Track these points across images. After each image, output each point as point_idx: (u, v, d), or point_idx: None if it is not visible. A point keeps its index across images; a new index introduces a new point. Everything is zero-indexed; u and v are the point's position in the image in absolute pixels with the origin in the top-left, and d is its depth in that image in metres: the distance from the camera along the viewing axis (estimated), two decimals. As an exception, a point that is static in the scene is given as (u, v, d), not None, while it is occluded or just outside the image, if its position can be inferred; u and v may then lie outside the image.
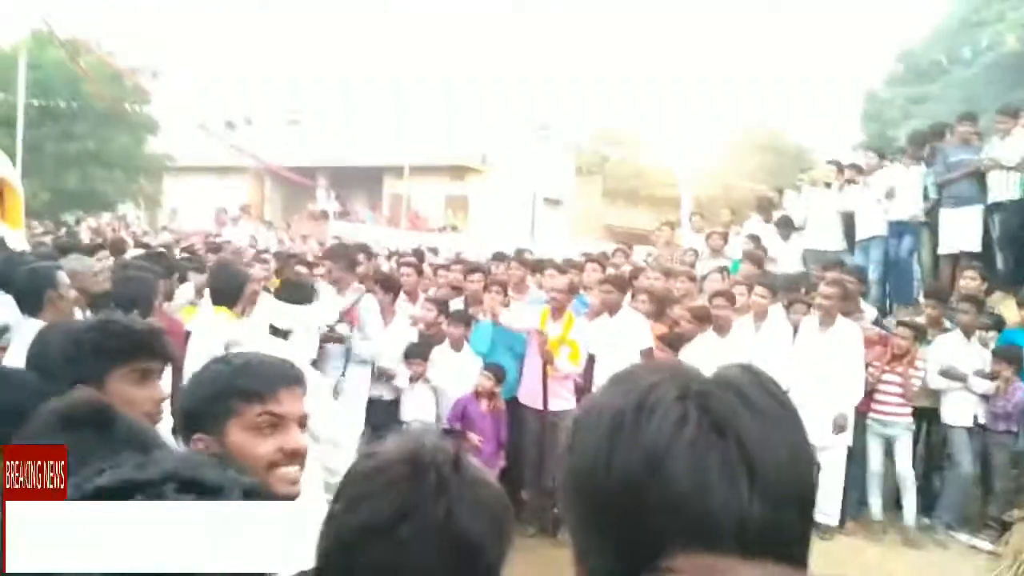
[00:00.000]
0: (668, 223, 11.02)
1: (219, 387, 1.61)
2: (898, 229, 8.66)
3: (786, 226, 9.57)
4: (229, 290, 4.24)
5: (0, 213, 9.37)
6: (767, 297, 6.65)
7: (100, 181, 23.20)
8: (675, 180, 25.54)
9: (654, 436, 0.74)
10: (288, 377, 1.66)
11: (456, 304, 6.93)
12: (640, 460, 0.74)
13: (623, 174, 36.79)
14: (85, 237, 12.71)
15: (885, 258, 8.74)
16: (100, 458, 1.22)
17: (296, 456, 1.61)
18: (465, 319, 6.36)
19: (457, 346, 6.26)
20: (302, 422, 1.65)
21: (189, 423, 1.63)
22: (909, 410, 6.46)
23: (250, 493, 0.75)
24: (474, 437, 5.90)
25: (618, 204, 36.00)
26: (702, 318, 6.41)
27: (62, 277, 3.86)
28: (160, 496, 0.70)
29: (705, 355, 6.21)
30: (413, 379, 6.20)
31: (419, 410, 6.13)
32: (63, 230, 14.89)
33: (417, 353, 6.17)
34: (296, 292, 4.74)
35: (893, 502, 6.54)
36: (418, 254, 10.68)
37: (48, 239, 11.37)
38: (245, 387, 1.59)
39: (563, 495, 0.81)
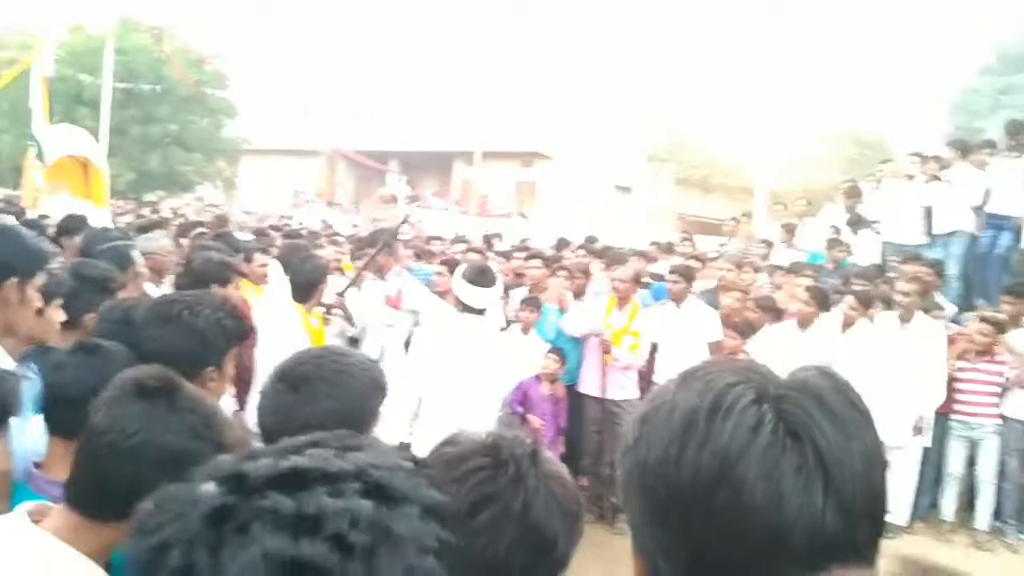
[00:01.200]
0: (745, 214, 10.83)
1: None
2: (995, 223, 8.27)
3: (857, 223, 9.26)
4: (307, 286, 4.23)
5: (86, 191, 9.79)
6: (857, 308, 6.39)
7: (181, 162, 23.97)
8: (749, 169, 25.04)
9: (728, 439, 0.73)
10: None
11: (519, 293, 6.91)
12: (712, 463, 0.73)
13: (696, 162, 36.23)
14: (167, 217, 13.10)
15: (971, 253, 8.38)
16: (172, 427, 1.38)
17: None
18: (535, 304, 6.36)
19: (526, 331, 6.29)
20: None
21: None
22: (997, 410, 6.18)
23: (431, 510, 0.70)
24: (535, 420, 5.93)
25: (690, 193, 35.47)
26: (767, 308, 6.27)
27: (137, 256, 3.98)
28: (340, 494, 0.66)
29: (776, 347, 6.13)
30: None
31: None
32: (146, 209, 15.40)
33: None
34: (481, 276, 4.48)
35: (964, 503, 6.31)
36: (487, 240, 10.71)
37: (131, 218, 11.76)
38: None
39: (626, 488, 0.81)
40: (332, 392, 1.70)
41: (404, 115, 29.10)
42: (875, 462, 0.76)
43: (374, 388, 1.78)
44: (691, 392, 0.78)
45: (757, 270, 7.65)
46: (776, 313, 6.59)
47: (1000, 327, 6.35)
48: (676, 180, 34.23)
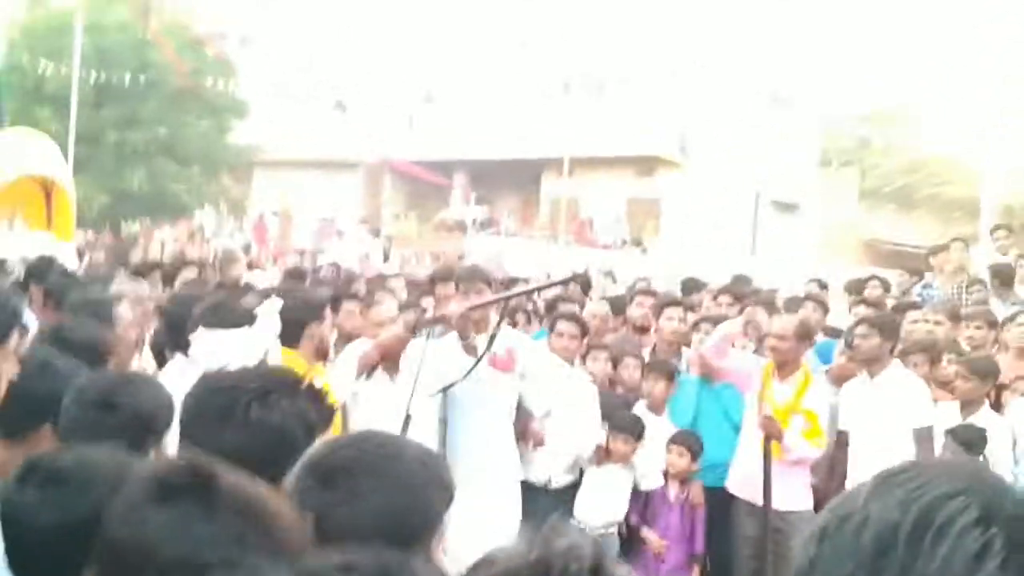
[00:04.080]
0: (959, 240, 10.53)
1: None
2: None
3: None
4: (288, 326, 4.40)
5: (45, 220, 10.21)
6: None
7: (172, 179, 24.75)
8: (972, 175, 24.38)
9: (941, 568, 0.74)
10: None
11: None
12: None
13: (891, 167, 35.67)
14: (154, 252, 13.58)
15: None
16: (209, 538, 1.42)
17: None
18: (668, 371, 6.31)
19: (657, 409, 6.26)
20: None
21: None
22: None
23: None
24: (654, 539, 5.89)
25: (884, 210, 34.85)
26: (985, 375, 6.08)
27: (123, 312, 4.12)
28: None
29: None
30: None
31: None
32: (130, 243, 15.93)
33: (628, 425, 6.08)
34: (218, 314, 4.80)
35: None
36: (582, 281, 10.67)
37: (104, 254, 12.20)
38: None
39: None
40: (379, 485, 1.77)
41: (473, 112, 29.58)
42: None
43: (436, 484, 1.84)
44: (890, 502, 0.81)
45: (992, 325, 7.44)
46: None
47: None
48: (862, 193, 33.74)
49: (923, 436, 5.79)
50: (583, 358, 6.72)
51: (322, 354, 4.75)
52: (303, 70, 29.97)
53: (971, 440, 5.81)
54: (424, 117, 31.03)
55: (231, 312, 4.03)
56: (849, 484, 5.90)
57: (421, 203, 30.75)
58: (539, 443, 5.89)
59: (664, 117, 26.29)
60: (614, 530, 5.98)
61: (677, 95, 26.51)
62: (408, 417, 4.84)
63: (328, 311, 4.74)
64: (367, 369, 5.24)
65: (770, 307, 7.17)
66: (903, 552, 0.76)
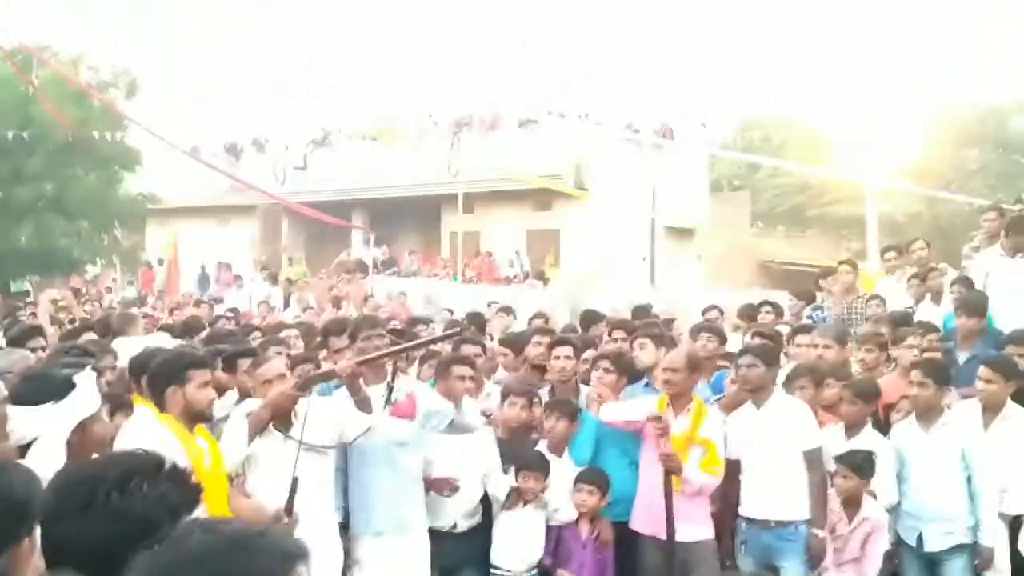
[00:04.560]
0: (845, 262, 10.76)
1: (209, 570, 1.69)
2: None
3: (966, 284, 9.15)
4: (152, 392, 4.45)
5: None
6: (995, 381, 6.38)
7: (61, 235, 24.17)
8: (859, 193, 25.04)
9: None
10: (294, 554, 1.76)
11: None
12: None
13: (781, 187, 36.46)
14: (43, 314, 13.23)
15: None
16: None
17: None
18: (571, 411, 6.31)
19: (558, 450, 6.25)
20: None
21: None
22: None
23: None
24: (565, 576, 5.88)
25: (776, 231, 35.62)
26: (868, 398, 6.28)
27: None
28: None
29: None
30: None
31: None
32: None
33: (535, 464, 6.09)
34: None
35: None
36: (476, 320, 10.70)
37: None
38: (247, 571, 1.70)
39: None
40: None
41: (368, 151, 29.45)
42: None
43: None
44: None
45: (882, 347, 7.65)
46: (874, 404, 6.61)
47: None
48: (754, 215, 34.41)
49: (813, 458, 5.93)
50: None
51: (198, 417, 4.60)
52: (193, 115, 29.63)
53: (859, 464, 5.97)
54: (318, 158, 30.86)
55: (45, 385, 3.84)
56: (742, 511, 6.06)
57: (322, 243, 30.50)
58: (454, 489, 5.90)
59: (561, 147, 26.45)
60: (535, 572, 5.99)
61: (571, 127, 26.80)
62: (295, 480, 4.80)
63: (195, 373, 4.54)
64: (259, 430, 5.15)
65: (658, 340, 7.23)
66: None
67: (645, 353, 6.99)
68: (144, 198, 27.04)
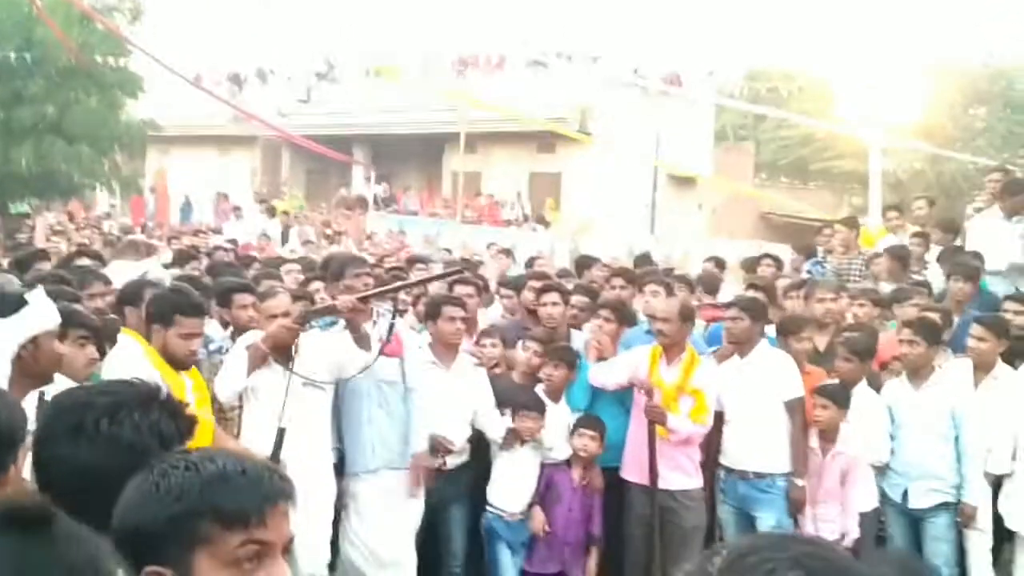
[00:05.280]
0: (847, 220, 10.72)
1: (185, 506, 1.68)
2: None
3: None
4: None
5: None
6: (987, 339, 6.40)
7: (61, 159, 24.04)
8: (862, 148, 24.91)
9: None
10: (277, 492, 1.74)
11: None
12: None
13: (786, 139, 36.31)
14: (40, 237, 13.24)
15: None
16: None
17: None
18: (570, 360, 6.34)
19: (555, 396, 6.28)
20: (288, 547, 1.73)
21: (138, 548, 1.68)
22: None
23: None
24: (540, 521, 6.00)
25: (779, 183, 35.50)
26: (863, 353, 6.27)
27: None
28: None
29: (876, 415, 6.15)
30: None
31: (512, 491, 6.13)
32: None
33: (532, 404, 6.13)
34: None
35: None
36: (471, 264, 10.62)
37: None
38: (224, 507, 1.67)
39: None
40: None
41: (372, 87, 29.26)
42: None
43: None
44: None
45: (877, 303, 7.65)
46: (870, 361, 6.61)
47: None
48: (757, 166, 34.25)
49: (794, 407, 6.00)
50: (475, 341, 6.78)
51: (177, 364, 4.47)
52: (196, 43, 29.38)
53: (835, 393, 6.01)
54: (322, 92, 30.66)
55: None
56: (723, 459, 6.15)
57: (322, 179, 30.42)
58: (447, 452, 5.96)
59: (566, 90, 26.28)
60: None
61: (577, 73, 26.62)
62: (282, 430, 4.84)
63: (182, 319, 4.42)
64: (259, 363, 5.18)
65: (668, 288, 7.27)
66: None
67: (658, 301, 7.00)
68: (145, 124, 26.81)
